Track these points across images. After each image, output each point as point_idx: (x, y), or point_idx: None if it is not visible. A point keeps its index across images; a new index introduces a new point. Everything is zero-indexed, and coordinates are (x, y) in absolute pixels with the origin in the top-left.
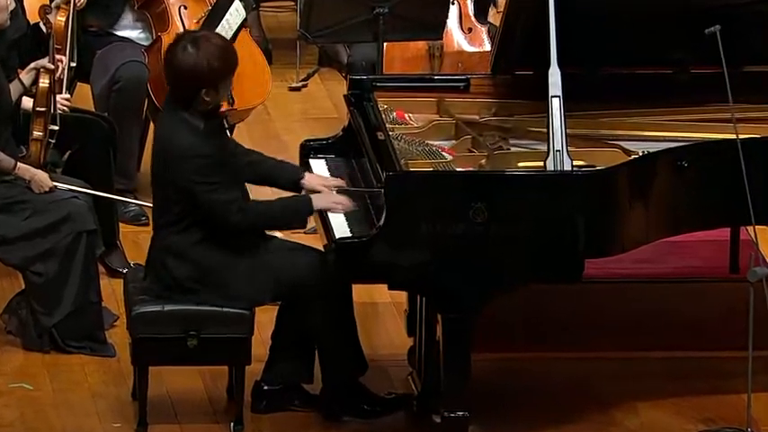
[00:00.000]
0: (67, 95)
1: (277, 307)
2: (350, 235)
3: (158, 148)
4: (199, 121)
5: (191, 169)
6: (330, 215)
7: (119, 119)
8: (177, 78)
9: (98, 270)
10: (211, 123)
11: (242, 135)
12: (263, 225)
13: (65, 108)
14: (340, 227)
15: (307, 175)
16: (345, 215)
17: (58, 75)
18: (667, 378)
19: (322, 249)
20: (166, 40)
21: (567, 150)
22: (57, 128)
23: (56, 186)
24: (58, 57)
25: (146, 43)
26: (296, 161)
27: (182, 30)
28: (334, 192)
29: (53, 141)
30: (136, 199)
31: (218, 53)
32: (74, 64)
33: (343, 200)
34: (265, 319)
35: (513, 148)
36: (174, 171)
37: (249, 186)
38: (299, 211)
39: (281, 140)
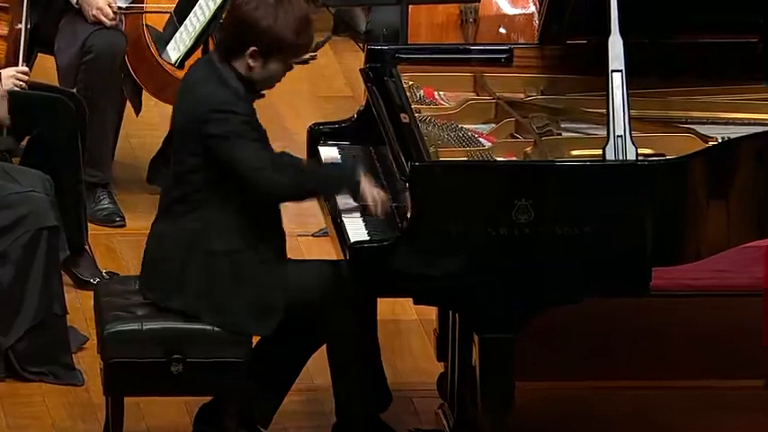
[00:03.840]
0: (25, 68)
1: None
2: (368, 239)
3: (184, 101)
4: (240, 88)
5: (222, 121)
6: (344, 214)
7: (90, 97)
8: (235, 21)
9: (62, 278)
10: (250, 97)
11: None
12: (300, 194)
13: (21, 84)
14: (356, 230)
15: None
16: (363, 216)
17: None
18: (753, 411)
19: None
20: None
21: (631, 136)
22: None
23: None
24: None
25: (123, 4)
26: (302, 150)
27: None
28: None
29: None
30: (110, 196)
31: (293, 24)
32: (20, 26)
33: (383, 198)
34: None
35: (564, 134)
36: (201, 125)
37: None
38: (342, 180)
39: (284, 125)
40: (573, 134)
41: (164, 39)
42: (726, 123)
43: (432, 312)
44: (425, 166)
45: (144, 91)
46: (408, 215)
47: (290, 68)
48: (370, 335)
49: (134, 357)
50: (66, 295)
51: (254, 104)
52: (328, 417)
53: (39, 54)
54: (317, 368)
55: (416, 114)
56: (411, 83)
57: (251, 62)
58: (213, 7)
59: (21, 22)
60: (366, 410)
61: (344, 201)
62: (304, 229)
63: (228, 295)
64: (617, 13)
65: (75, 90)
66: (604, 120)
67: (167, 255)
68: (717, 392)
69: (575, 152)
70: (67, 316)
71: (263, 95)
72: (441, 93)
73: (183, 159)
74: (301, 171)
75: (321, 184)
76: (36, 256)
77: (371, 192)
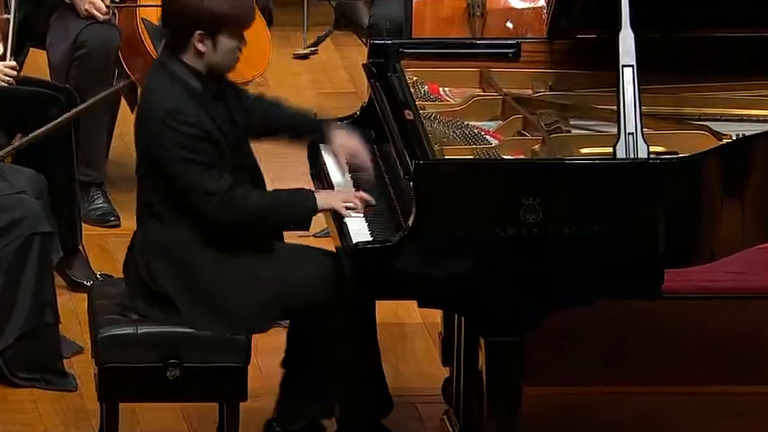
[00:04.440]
0: (12, 63)
1: (278, 331)
2: (370, 239)
3: (140, 108)
4: (194, 81)
5: (170, 138)
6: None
7: (83, 93)
8: (171, 12)
9: (54, 284)
10: (210, 88)
11: None
12: (252, 224)
13: (10, 79)
14: (358, 231)
15: (333, 134)
16: (366, 216)
17: None
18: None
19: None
20: None
21: (643, 133)
22: None
23: None
24: None
25: None
26: (303, 147)
27: None
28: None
29: None
30: (105, 196)
31: None
32: (8, 16)
33: (358, 200)
34: (264, 343)
35: (573, 131)
36: (152, 137)
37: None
38: (298, 209)
39: None
40: (582, 131)
41: (160, 33)
42: (740, 120)
43: (436, 315)
44: (430, 164)
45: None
46: (412, 215)
47: (244, 43)
48: (371, 338)
49: (129, 362)
50: (59, 298)
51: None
52: (329, 424)
53: (30, 49)
54: None
55: (421, 111)
56: (415, 78)
57: (200, 47)
58: None
59: (9, 13)
60: (367, 417)
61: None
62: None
63: (216, 301)
64: (628, 6)
65: (67, 86)
66: (615, 116)
67: (145, 266)
68: (730, 398)
69: (584, 150)
70: (60, 325)
71: (222, 87)
72: (446, 89)
73: (144, 170)
74: (252, 201)
75: (272, 217)
76: (28, 263)
77: (347, 199)
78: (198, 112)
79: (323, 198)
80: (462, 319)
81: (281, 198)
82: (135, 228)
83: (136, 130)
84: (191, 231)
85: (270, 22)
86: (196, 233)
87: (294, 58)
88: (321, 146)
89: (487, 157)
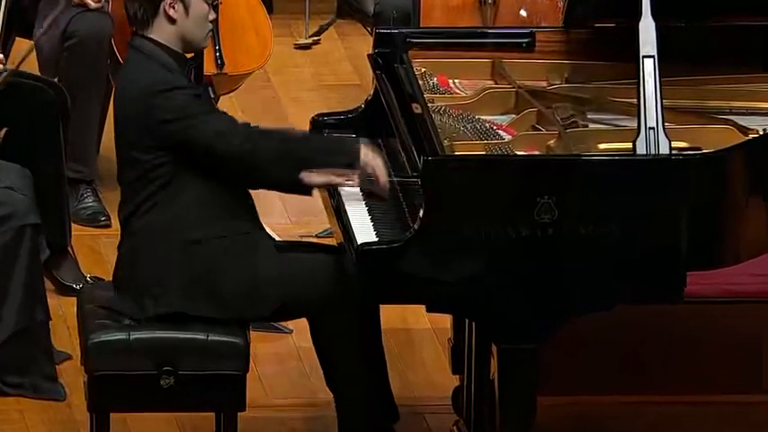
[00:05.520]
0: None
1: (279, 337)
2: (376, 240)
3: (120, 96)
4: (168, 59)
5: (167, 105)
6: (350, 214)
7: (73, 86)
8: None
9: (44, 279)
10: (185, 67)
11: (234, 109)
12: (287, 156)
13: None
14: (364, 230)
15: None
16: (371, 215)
17: None
18: None
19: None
20: None
21: (664, 128)
22: None
23: None
24: None
25: None
26: None
27: None
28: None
29: None
30: (95, 194)
31: None
32: None
33: (385, 179)
34: (263, 350)
35: (591, 125)
36: (143, 116)
37: None
38: (340, 148)
39: (284, 115)
40: (600, 126)
41: None
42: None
43: (446, 321)
44: (439, 160)
45: None
46: (420, 214)
47: (215, 7)
48: (374, 341)
49: (121, 370)
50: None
51: (253, 94)
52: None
53: (17, 38)
54: (321, 383)
55: (429, 104)
56: (424, 70)
57: (172, 13)
58: None
59: None
60: (370, 423)
61: (349, 189)
62: (307, 230)
63: (216, 281)
64: None
65: (56, 79)
66: (635, 110)
67: (141, 260)
68: (754, 408)
69: (602, 145)
70: (50, 320)
71: (195, 62)
72: (456, 81)
73: (137, 160)
74: (280, 133)
75: (309, 148)
76: (19, 258)
77: (374, 162)
78: (183, 81)
79: (366, 148)
80: (473, 324)
81: (317, 136)
82: None
83: (118, 118)
84: (194, 209)
85: (270, 10)
86: (199, 211)
87: (295, 48)
88: None
89: (500, 152)
